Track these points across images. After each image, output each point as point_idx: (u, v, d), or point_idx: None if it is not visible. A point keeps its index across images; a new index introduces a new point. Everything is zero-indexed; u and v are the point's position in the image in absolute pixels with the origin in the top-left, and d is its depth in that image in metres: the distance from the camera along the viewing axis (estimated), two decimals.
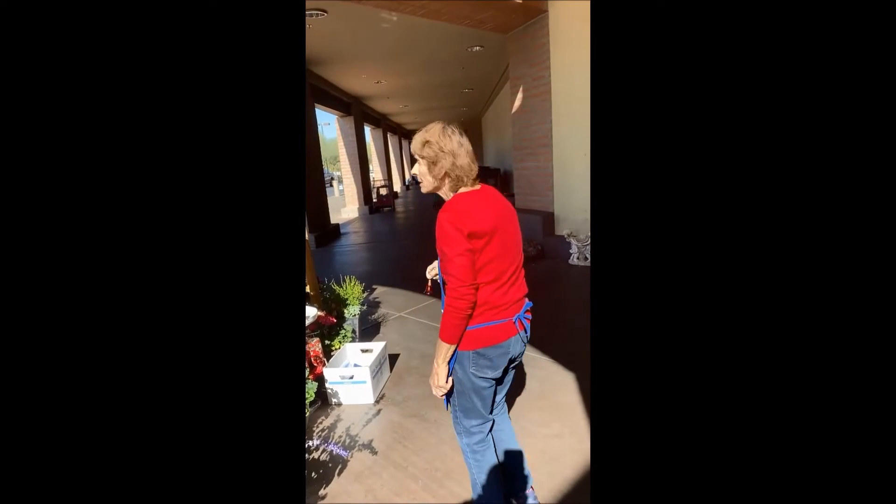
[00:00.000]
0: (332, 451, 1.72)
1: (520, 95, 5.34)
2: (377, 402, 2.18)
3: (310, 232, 6.41)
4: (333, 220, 8.12)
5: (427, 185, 1.19)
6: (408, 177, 21.22)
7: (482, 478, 1.29)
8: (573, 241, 4.52)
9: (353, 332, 2.70)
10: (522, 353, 1.25)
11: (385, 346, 2.42)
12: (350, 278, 2.90)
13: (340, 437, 1.90)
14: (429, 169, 1.15)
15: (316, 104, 7.89)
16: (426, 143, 1.14)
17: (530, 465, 1.66)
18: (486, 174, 10.32)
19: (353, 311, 2.71)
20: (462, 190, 1.15)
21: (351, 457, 1.75)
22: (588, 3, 4.17)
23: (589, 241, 4.44)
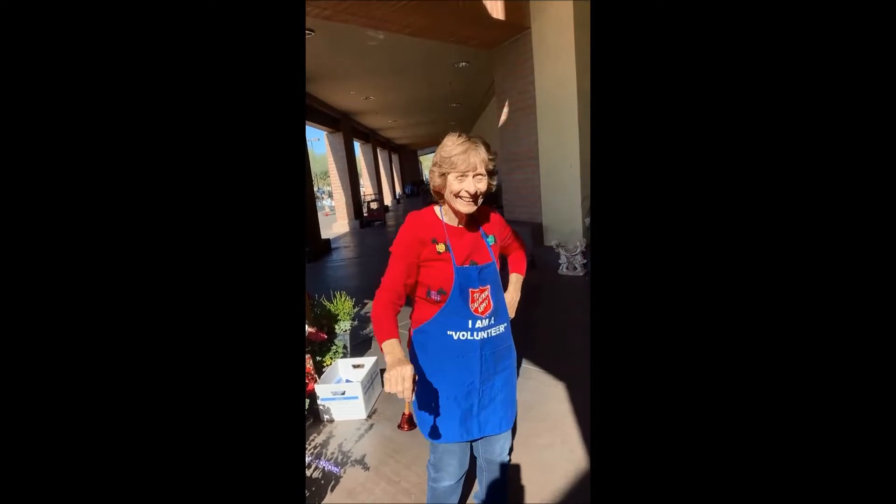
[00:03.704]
0: (323, 467, 1.71)
1: (506, 109, 5.44)
2: (369, 417, 2.17)
3: None
4: (324, 235, 8.11)
5: (481, 201, 1.09)
6: (398, 191, 21.27)
7: None
8: (562, 252, 4.57)
9: (345, 347, 2.69)
10: None
11: (377, 361, 2.41)
12: (340, 293, 2.90)
13: (333, 453, 1.89)
14: (489, 182, 1.08)
15: (306, 120, 7.94)
16: (494, 153, 1.08)
17: (523, 475, 1.67)
18: None
19: (343, 327, 2.71)
20: None
21: (343, 473, 1.74)
22: (571, 20, 4.29)
23: (577, 251, 4.49)
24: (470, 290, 1.10)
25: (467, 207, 1.06)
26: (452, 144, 1.04)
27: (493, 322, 1.15)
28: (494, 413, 1.18)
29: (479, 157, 1.03)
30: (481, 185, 1.05)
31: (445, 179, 1.06)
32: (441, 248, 1.11)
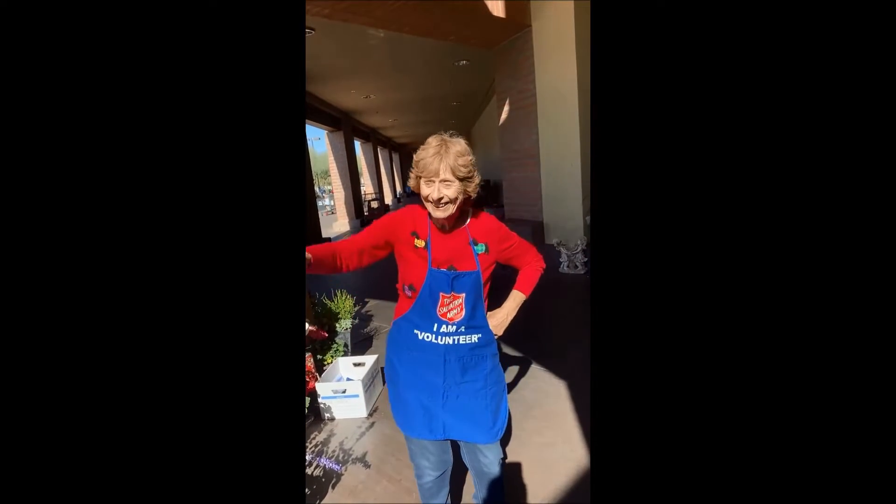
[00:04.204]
0: (324, 465, 1.71)
1: (506, 108, 5.43)
2: (370, 415, 2.18)
3: None
4: (325, 234, 8.11)
5: (453, 208, 1.04)
6: (399, 189, 21.28)
7: None
8: (563, 250, 4.56)
9: (346, 346, 2.70)
10: None
11: (377, 359, 2.42)
12: (341, 292, 2.90)
13: (334, 451, 1.89)
14: (465, 188, 1.04)
15: (306, 119, 7.94)
16: (471, 158, 1.03)
17: (524, 474, 1.67)
18: None
19: (344, 325, 2.71)
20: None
21: (345, 471, 1.75)
22: (572, 18, 4.28)
23: (578, 250, 4.49)
24: (440, 293, 1.09)
25: (436, 212, 1.04)
26: (427, 146, 1.03)
27: (462, 330, 1.12)
28: (462, 421, 1.15)
29: (445, 162, 0.99)
30: (448, 192, 1.01)
31: (419, 182, 1.05)
32: (420, 243, 1.10)
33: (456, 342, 1.13)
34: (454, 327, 1.12)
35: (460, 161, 1.00)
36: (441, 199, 1.01)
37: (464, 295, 1.10)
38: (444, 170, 1.00)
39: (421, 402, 1.15)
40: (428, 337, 1.13)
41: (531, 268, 1.26)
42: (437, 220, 1.08)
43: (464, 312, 1.11)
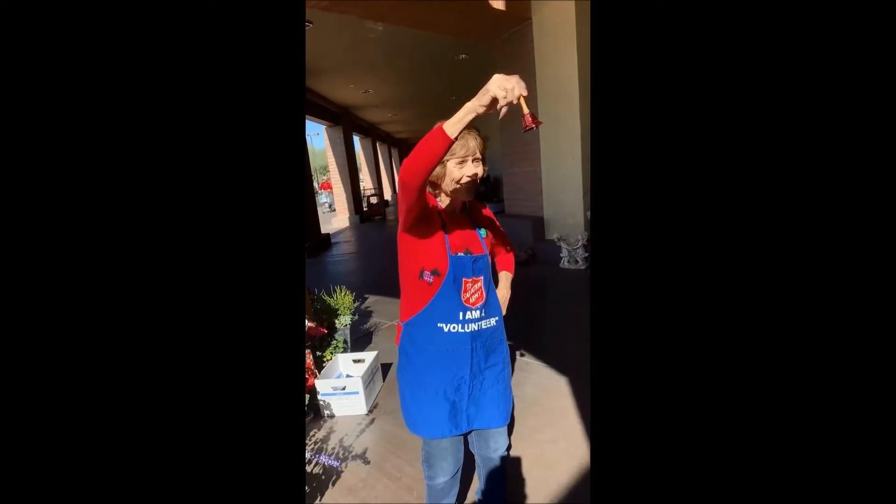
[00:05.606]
0: (324, 463, 1.70)
1: None
2: (370, 412, 2.17)
3: None
4: (324, 230, 8.09)
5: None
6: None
7: None
8: (563, 245, 4.55)
9: (345, 342, 2.68)
10: None
11: (377, 356, 2.40)
12: (341, 288, 2.89)
13: (333, 448, 1.88)
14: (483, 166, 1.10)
15: (305, 115, 7.89)
16: (485, 138, 1.10)
17: (525, 471, 1.66)
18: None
19: (344, 322, 2.70)
20: None
21: (344, 468, 1.74)
22: (572, 11, 4.24)
23: (579, 245, 4.47)
24: (463, 279, 1.10)
25: (469, 194, 1.09)
26: None
27: (484, 314, 1.14)
28: (485, 408, 1.18)
29: (475, 141, 1.05)
30: (479, 170, 1.07)
31: (445, 168, 1.06)
32: (441, 226, 1.11)
33: (480, 328, 1.14)
34: (478, 312, 1.13)
35: (481, 139, 1.07)
36: (478, 176, 1.07)
37: (482, 278, 1.14)
38: (476, 148, 1.06)
39: (447, 398, 1.14)
40: (454, 328, 1.11)
41: (509, 253, 1.39)
42: (459, 203, 1.14)
43: (484, 295, 1.14)
